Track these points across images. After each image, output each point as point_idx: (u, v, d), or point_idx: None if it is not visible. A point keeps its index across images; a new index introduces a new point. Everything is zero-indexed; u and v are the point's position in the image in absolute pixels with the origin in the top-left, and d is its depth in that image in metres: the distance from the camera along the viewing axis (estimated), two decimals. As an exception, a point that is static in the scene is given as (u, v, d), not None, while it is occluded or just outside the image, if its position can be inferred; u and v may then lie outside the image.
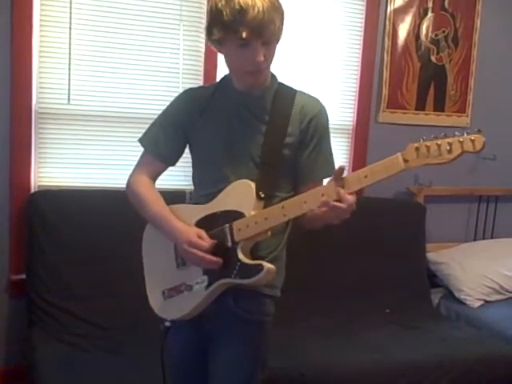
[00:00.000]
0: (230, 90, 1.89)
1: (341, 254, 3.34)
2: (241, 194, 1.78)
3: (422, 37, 3.69)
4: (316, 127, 1.83)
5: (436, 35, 3.72)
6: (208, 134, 1.89)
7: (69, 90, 2.98)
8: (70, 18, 2.94)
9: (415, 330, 3.16)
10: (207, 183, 1.91)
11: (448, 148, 1.46)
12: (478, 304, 3.49)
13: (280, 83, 1.91)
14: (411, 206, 3.72)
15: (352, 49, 3.58)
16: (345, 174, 1.64)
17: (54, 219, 2.88)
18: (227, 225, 1.76)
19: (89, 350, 2.62)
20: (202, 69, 3.23)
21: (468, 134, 1.45)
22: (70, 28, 2.94)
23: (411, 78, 3.69)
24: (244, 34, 1.67)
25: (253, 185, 1.77)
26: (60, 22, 2.94)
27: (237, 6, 1.65)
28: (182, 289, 1.86)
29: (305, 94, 1.90)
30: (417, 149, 1.50)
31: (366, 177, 1.58)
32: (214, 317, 1.84)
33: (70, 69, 2.97)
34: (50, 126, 3.01)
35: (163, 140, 1.96)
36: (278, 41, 1.79)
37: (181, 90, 3.13)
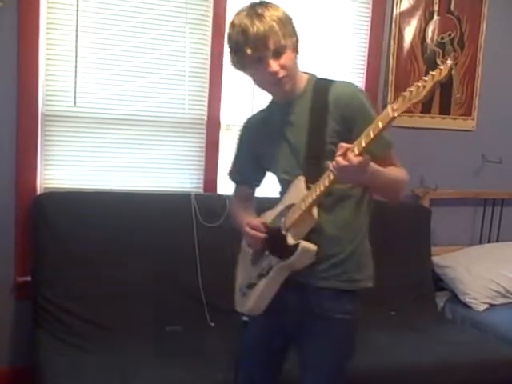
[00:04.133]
0: (274, 106, 2.05)
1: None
2: (295, 189, 1.93)
3: (428, 40, 3.68)
4: (353, 111, 1.86)
5: (442, 38, 3.72)
6: (270, 149, 2.04)
7: (75, 92, 2.99)
8: (77, 21, 2.95)
9: (420, 332, 3.15)
10: (281, 189, 2.07)
11: (424, 84, 1.53)
12: (483, 307, 3.48)
13: (318, 79, 1.99)
14: (416, 209, 3.71)
15: (358, 52, 3.58)
16: None
17: (60, 221, 2.89)
18: (284, 218, 1.93)
19: (93, 352, 2.62)
20: (207, 71, 3.23)
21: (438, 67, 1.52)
22: (77, 31, 2.95)
23: (417, 81, 3.66)
24: (249, 52, 1.82)
25: (302, 178, 1.90)
26: (67, 25, 2.95)
27: (237, 29, 1.83)
28: (252, 283, 2.01)
29: (339, 82, 1.96)
30: (403, 96, 1.57)
31: (366, 135, 1.61)
32: (296, 314, 1.96)
33: (76, 72, 2.98)
34: (57, 128, 3.02)
35: (240, 168, 2.20)
36: (292, 48, 1.88)
37: (186, 94, 3.20)
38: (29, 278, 2.94)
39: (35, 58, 2.90)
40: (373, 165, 1.70)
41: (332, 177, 1.71)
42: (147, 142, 3.18)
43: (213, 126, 3.28)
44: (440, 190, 3.73)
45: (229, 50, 1.92)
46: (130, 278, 2.94)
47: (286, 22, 1.85)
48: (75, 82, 2.99)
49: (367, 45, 3.57)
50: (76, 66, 2.98)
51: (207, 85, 3.23)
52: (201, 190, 3.29)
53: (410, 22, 3.63)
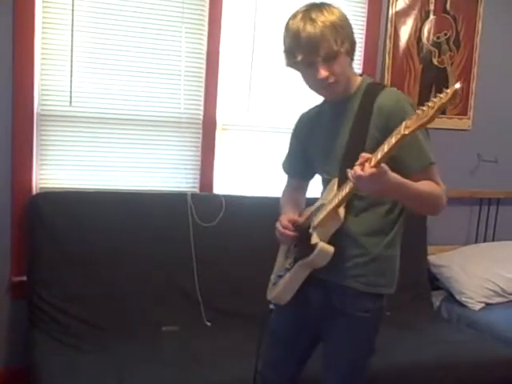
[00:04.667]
0: (325, 104, 2.07)
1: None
2: (329, 190, 1.97)
3: (424, 39, 3.69)
4: (395, 122, 1.79)
5: (438, 38, 3.73)
6: (316, 147, 2.08)
7: (71, 92, 2.99)
8: (72, 20, 2.94)
9: (416, 332, 3.15)
10: (322, 190, 2.10)
11: (432, 105, 1.51)
12: (479, 307, 3.49)
13: (370, 84, 2.00)
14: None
15: (353, 51, 3.58)
16: None
17: (56, 221, 2.89)
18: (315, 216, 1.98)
19: (89, 352, 2.62)
20: (203, 71, 3.23)
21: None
22: (72, 30, 2.95)
23: (413, 80, 3.69)
24: (300, 58, 1.85)
25: (336, 181, 1.93)
26: (62, 24, 2.94)
27: (291, 33, 1.86)
28: (281, 275, 2.07)
29: (387, 90, 1.97)
30: (417, 114, 1.56)
31: (382, 149, 1.63)
32: (318, 310, 2.01)
33: (71, 71, 2.98)
34: (52, 128, 3.01)
35: (290, 161, 2.25)
36: (346, 53, 1.88)
37: (182, 93, 3.20)
38: (24, 278, 2.93)
39: (30, 58, 2.89)
40: (396, 177, 1.70)
41: (352, 184, 1.73)
42: (143, 142, 3.17)
43: (209, 125, 3.28)
44: (436, 190, 3.73)
45: (282, 49, 1.94)
46: (126, 277, 2.94)
47: (340, 27, 1.86)
48: (71, 82, 2.98)
49: (363, 44, 3.56)
50: (71, 66, 2.97)
51: (203, 84, 3.23)
52: (197, 190, 3.29)
53: (406, 22, 3.63)
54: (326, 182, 2.05)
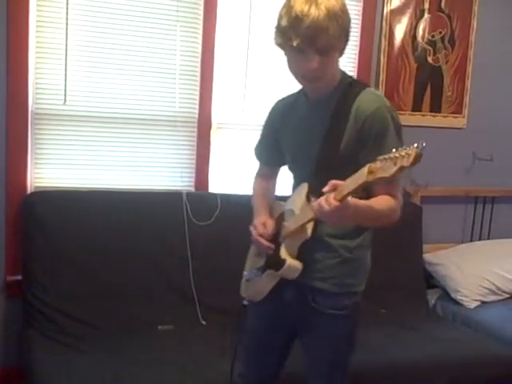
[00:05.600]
0: (303, 96, 1.99)
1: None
2: (298, 196, 1.94)
3: (419, 38, 3.69)
4: (370, 128, 1.80)
5: (432, 36, 3.73)
6: (288, 139, 2.04)
7: (65, 90, 2.98)
8: (67, 18, 2.93)
9: (411, 330, 3.16)
10: (293, 184, 2.07)
11: (394, 162, 1.45)
12: (474, 305, 3.50)
13: (350, 83, 1.93)
14: (407, 207, 3.69)
15: (349, 50, 3.52)
16: None
17: (50, 220, 2.88)
18: (285, 222, 1.97)
19: (85, 351, 2.61)
20: (198, 70, 3.22)
21: (408, 148, 1.43)
22: (67, 29, 2.94)
23: (408, 79, 3.69)
24: (295, 43, 1.75)
25: (306, 187, 1.91)
26: (56, 22, 2.93)
27: (293, 14, 1.73)
28: (252, 273, 2.09)
29: (369, 92, 1.89)
30: (380, 161, 1.49)
31: (348, 186, 1.60)
32: (295, 308, 1.99)
33: (66, 70, 2.97)
34: (47, 126, 3.00)
35: (262, 148, 2.22)
36: (339, 50, 1.85)
37: (177, 92, 3.19)
38: (19, 277, 2.93)
39: (25, 56, 2.88)
40: (357, 206, 1.66)
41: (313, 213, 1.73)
42: (138, 141, 3.17)
43: (204, 124, 3.27)
44: (431, 188, 3.74)
45: (275, 26, 1.83)
46: (121, 276, 2.93)
47: (341, 19, 1.77)
48: (65, 80, 2.98)
49: (358, 43, 3.56)
50: (66, 64, 2.97)
51: (198, 83, 3.23)
52: (192, 189, 3.28)
53: (401, 20, 3.63)
54: (296, 182, 2.02)
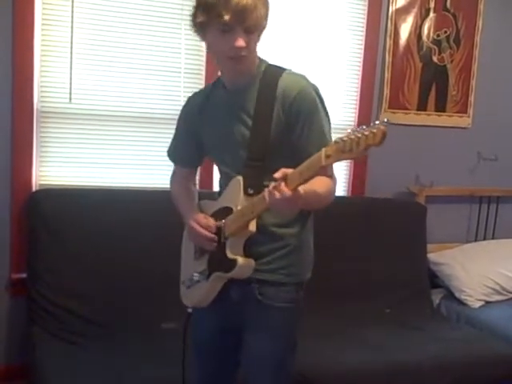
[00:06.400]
0: (221, 89, 1.95)
1: (341, 254, 3.33)
2: (233, 191, 1.88)
3: (424, 37, 3.69)
4: (298, 109, 1.79)
5: (438, 35, 3.72)
6: (209, 131, 1.98)
7: (70, 89, 2.98)
8: (72, 17, 2.94)
9: (415, 330, 3.16)
10: (220, 179, 2.03)
11: (357, 142, 1.42)
12: (478, 304, 3.49)
13: (269, 66, 1.90)
14: (412, 207, 3.72)
15: (354, 49, 3.58)
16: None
17: (55, 218, 2.88)
18: (223, 220, 1.88)
19: (89, 349, 2.62)
20: (203, 68, 3.23)
21: (372, 126, 1.40)
22: (72, 27, 2.94)
23: (413, 78, 3.69)
24: (226, 18, 1.72)
25: (240, 181, 1.84)
26: (62, 21, 2.94)
27: None
28: (193, 279, 1.99)
29: (290, 74, 1.87)
30: (336, 143, 1.48)
31: (300, 174, 1.58)
32: (241, 304, 1.93)
33: (71, 68, 2.97)
34: (52, 124, 3.01)
35: (179, 148, 2.14)
36: (261, 30, 1.83)
37: (182, 90, 3.19)
38: (24, 275, 2.93)
39: (30, 54, 2.89)
40: (305, 192, 1.63)
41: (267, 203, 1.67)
42: (144, 139, 3.17)
43: (209, 122, 3.27)
44: (435, 188, 3.74)
45: (198, 4, 1.82)
46: (125, 274, 2.93)
47: (267, 3, 1.80)
48: (70, 79, 2.98)
49: (363, 42, 3.56)
50: (71, 63, 2.97)
51: (203, 81, 3.22)
52: (197, 187, 3.27)
53: (406, 19, 3.63)
54: (226, 176, 1.96)
